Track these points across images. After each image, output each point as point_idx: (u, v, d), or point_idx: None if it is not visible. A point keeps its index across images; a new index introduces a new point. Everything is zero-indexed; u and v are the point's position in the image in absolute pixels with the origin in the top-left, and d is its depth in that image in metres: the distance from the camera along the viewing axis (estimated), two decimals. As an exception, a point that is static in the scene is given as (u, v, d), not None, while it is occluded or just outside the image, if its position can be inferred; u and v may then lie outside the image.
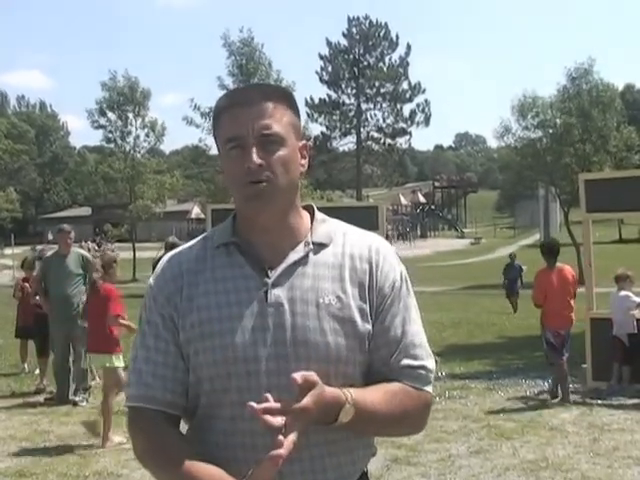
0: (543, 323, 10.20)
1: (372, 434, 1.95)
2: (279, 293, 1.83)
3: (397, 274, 1.93)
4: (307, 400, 1.65)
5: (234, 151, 1.84)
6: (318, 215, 1.97)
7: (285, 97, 1.90)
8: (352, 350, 1.83)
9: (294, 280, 1.84)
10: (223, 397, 1.82)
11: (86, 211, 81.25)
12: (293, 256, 1.87)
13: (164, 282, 1.92)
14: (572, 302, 9.85)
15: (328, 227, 1.95)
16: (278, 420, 1.63)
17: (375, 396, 1.81)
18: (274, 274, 1.84)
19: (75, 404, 9.80)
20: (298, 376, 1.65)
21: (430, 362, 1.92)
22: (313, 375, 1.68)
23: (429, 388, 1.91)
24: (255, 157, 1.80)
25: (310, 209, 1.99)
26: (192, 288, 1.88)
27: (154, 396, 1.86)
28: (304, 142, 1.94)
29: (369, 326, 1.86)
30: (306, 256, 1.87)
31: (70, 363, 10.07)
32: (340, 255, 1.90)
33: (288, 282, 1.84)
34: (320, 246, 1.90)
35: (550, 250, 10.05)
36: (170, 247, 11.66)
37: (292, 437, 1.63)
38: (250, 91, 1.90)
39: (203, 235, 2.01)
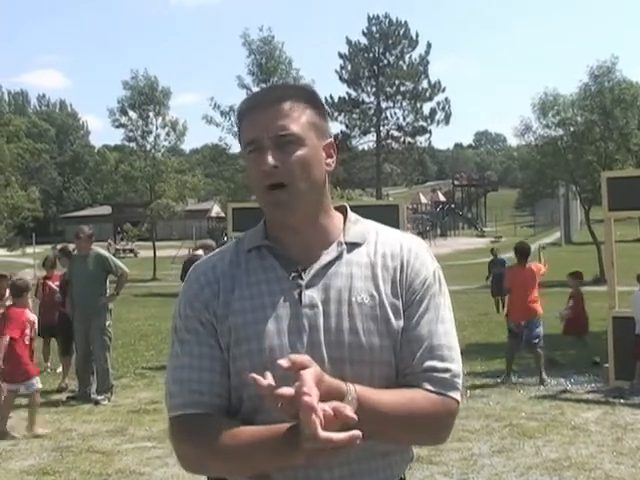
0: (508, 315, 11.91)
1: (384, 438, 1.76)
2: (313, 294, 1.80)
3: (429, 272, 1.87)
4: (305, 376, 1.54)
5: (253, 154, 1.81)
6: (351, 216, 1.94)
7: (305, 96, 1.86)
8: (387, 350, 1.77)
9: (327, 280, 1.81)
10: (259, 403, 1.73)
11: (106, 210, 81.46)
12: (326, 257, 1.84)
13: (199, 288, 1.87)
14: (535, 292, 11.07)
15: (361, 227, 1.92)
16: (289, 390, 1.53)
17: (385, 396, 1.70)
18: (307, 275, 1.81)
19: (97, 403, 9.87)
20: (283, 361, 1.56)
21: (457, 366, 1.80)
22: (304, 357, 1.59)
23: (455, 394, 1.78)
24: (270, 159, 1.77)
25: (343, 210, 1.96)
26: (227, 294, 1.84)
27: (201, 401, 1.78)
28: (330, 140, 1.89)
29: (402, 323, 1.80)
30: (339, 256, 1.84)
31: (92, 362, 10.16)
32: (373, 254, 1.86)
33: (322, 283, 1.81)
34: (353, 246, 1.86)
35: (521, 251, 11.54)
36: (204, 247, 12.02)
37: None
38: (268, 92, 1.88)
39: (235, 240, 1.98)
